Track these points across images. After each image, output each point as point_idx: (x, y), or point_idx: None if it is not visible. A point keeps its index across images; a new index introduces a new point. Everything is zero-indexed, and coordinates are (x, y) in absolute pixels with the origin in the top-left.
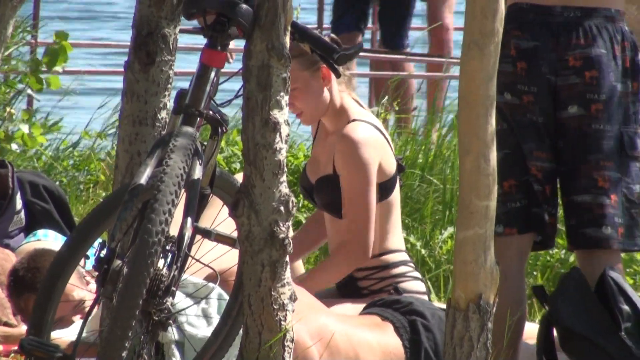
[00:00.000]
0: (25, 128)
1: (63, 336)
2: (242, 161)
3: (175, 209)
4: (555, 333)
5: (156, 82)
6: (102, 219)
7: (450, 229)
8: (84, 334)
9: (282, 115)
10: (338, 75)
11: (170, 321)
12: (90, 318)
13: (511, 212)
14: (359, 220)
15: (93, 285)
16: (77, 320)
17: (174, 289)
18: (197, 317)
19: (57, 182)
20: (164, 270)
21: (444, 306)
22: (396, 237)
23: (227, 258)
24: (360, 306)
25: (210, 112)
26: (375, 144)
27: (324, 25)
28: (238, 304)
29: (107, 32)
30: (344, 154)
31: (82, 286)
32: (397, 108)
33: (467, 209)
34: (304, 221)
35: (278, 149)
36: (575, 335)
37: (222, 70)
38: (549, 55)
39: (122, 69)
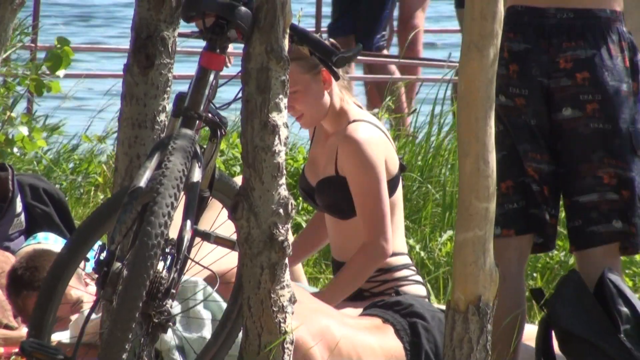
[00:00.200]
0: (25, 131)
1: (63, 338)
2: (242, 164)
3: (174, 212)
4: (554, 335)
5: (155, 85)
6: (102, 221)
7: (450, 232)
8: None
9: (281, 117)
10: (337, 78)
11: (170, 324)
12: (90, 320)
13: (509, 213)
14: (375, 220)
15: (93, 288)
16: (74, 319)
17: (173, 291)
18: (187, 318)
19: (57, 185)
20: (164, 273)
21: (443, 308)
22: (399, 240)
23: (227, 259)
24: (359, 309)
25: (209, 115)
26: (379, 142)
27: (322, 29)
28: (237, 307)
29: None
30: (349, 156)
31: (79, 286)
32: (393, 107)
33: (467, 210)
34: (303, 224)
35: (277, 151)
36: (574, 338)
37: (221, 73)
38: (540, 57)
39: (121, 72)
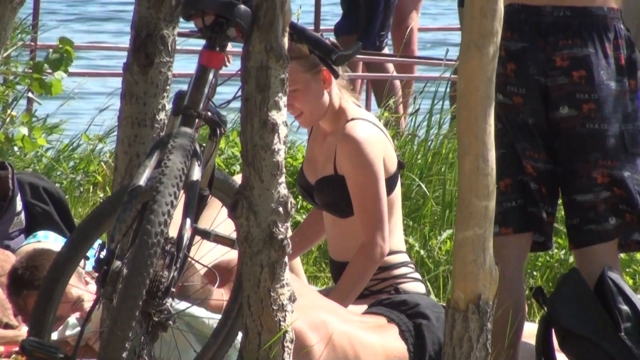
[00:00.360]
0: (25, 130)
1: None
2: (241, 163)
3: (174, 210)
4: (554, 333)
5: (155, 84)
6: (102, 220)
7: (449, 230)
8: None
9: (281, 116)
10: (336, 76)
11: (170, 322)
12: (90, 319)
13: (507, 211)
14: (372, 219)
15: (93, 286)
16: (72, 318)
17: (173, 289)
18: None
19: (57, 184)
20: (164, 272)
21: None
22: (397, 238)
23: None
24: (362, 307)
25: (209, 113)
26: (377, 140)
27: (321, 28)
28: (237, 305)
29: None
30: (347, 154)
31: (79, 285)
32: (393, 105)
33: (467, 209)
34: None
35: (276, 150)
36: (575, 336)
37: (221, 71)
38: (537, 56)
39: (121, 71)
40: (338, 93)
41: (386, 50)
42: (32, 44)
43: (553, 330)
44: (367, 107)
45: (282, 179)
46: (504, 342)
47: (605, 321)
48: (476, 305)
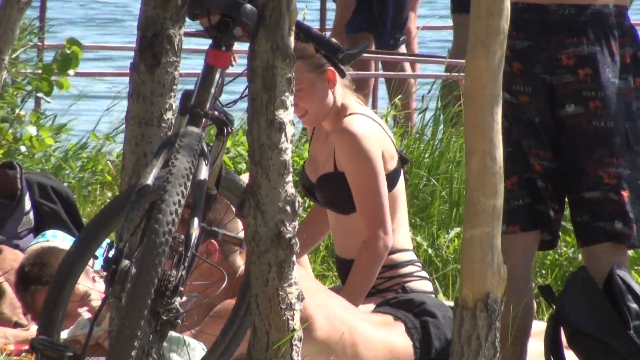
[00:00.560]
0: (33, 130)
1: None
2: (247, 162)
3: (182, 210)
4: (562, 332)
5: (162, 84)
6: (110, 219)
7: (457, 229)
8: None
9: (287, 115)
10: (343, 75)
11: (179, 321)
12: (98, 319)
13: (514, 210)
14: (373, 213)
15: (101, 285)
16: (83, 313)
17: (181, 289)
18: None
19: (65, 183)
20: (172, 271)
21: (452, 304)
22: (403, 236)
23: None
24: (369, 306)
25: (216, 113)
26: (374, 134)
27: (327, 27)
28: (245, 304)
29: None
30: (344, 149)
31: (86, 281)
32: (399, 104)
33: (474, 207)
34: None
35: (283, 149)
36: (583, 334)
37: (227, 71)
38: (542, 54)
39: (128, 71)
40: (342, 92)
41: (403, 49)
42: (40, 44)
43: (562, 328)
44: (374, 106)
45: (290, 178)
46: (512, 341)
47: (613, 319)
48: (484, 304)
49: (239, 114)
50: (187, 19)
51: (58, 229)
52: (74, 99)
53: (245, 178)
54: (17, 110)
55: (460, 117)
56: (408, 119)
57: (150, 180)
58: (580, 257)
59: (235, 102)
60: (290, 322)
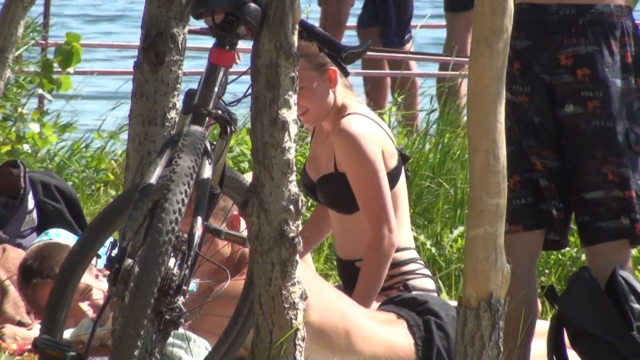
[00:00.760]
0: (36, 128)
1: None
2: (250, 160)
3: (185, 208)
4: (565, 332)
5: (165, 82)
6: (114, 218)
7: (461, 228)
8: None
9: (291, 114)
10: (347, 74)
11: (182, 320)
12: (101, 319)
13: (516, 209)
14: (376, 212)
15: (104, 284)
16: (84, 308)
17: (185, 288)
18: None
19: (69, 182)
20: (175, 270)
21: (455, 304)
22: (405, 234)
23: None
24: (373, 304)
25: (219, 112)
26: (372, 134)
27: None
28: (249, 303)
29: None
30: (344, 151)
31: (88, 276)
32: (401, 102)
33: (477, 207)
34: None
35: (287, 147)
36: (586, 334)
37: (231, 69)
38: (541, 54)
39: (131, 70)
40: (342, 92)
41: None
42: (44, 42)
43: (564, 328)
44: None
45: (293, 177)
46: (516, 340)
47: (616, 319)
48: (488, 303)
49: (242, 113)
50: (191, 18)
51: (61, 227)
52: (77, 100)
53: (248, 177)
54: (19, 109)
55: (460, 117)
56: (413, 118)
57: (153, 179)
58: (583, 256)
59: (238, 100)
60: (293, 321)
